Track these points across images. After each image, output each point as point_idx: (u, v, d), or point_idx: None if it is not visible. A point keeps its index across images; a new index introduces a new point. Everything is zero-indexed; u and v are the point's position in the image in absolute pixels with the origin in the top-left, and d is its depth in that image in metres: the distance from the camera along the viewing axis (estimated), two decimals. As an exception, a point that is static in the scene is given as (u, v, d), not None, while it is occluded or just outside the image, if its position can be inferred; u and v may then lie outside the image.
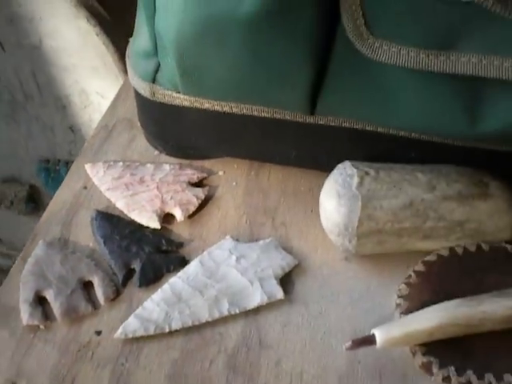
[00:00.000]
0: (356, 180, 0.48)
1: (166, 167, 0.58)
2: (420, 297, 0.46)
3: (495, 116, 0.45)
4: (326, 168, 0.52)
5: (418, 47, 0.44)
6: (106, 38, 0.81)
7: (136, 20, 0.56)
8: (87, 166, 0.59)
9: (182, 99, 0.54)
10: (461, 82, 0.45)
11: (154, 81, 0.54)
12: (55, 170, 1.06)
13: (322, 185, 0.50)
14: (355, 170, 0.48)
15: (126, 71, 0.80)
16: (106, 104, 0.88)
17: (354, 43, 0.44)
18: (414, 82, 0.46)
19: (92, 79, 0.89)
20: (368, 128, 0.51)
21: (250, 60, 0.47)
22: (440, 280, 0.47)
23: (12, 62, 0.92)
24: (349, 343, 0.43)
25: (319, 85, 0.48)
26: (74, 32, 0.83)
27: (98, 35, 0.81)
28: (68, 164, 1.04)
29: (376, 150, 0.52)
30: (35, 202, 1.16)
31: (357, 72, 0.47)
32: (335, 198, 0.48)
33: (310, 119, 0.52)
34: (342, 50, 0.46)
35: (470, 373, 0.42)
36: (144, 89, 0.55)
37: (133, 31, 0.58)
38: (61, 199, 0.57)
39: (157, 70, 0.54)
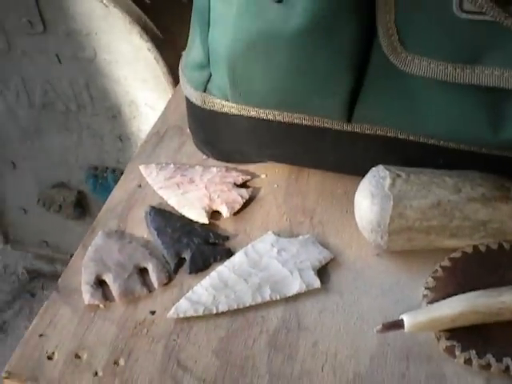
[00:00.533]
0: (388, 181, 0.52)
1: (214, 169, 0.63)
2: (445, 289, 0.50)
3: (516, 124, 0.50)
4: (361, 172, 0.56)
5: (446, 61, 0.48)
6: (157, 53, 0.87)
7: (190, 34, 0.61)
8: (141, 167, 0.64)
9: (230, 107, 0.59)
10: (484, 94, 0.49)
11: (205, 90, 0.59)
12: (103, 177, 1.11)
13: (357, 188, 0.55)
14: (387, 173, 0.53)
15: (174, 84, 0.86)
16: (154, 115, 0.94)
17: (388, 57, 0.49)
18: (442, 93, 0.50)
19: (142, 91, 0.95)
20: (400, 136, 0.56)
21: (294, 71, 0.52)
22: (464, 275, 0.51)
23: (67, 74, 0.98)
24: (379, 327, 0.47)
25: (356, 94, 0.53)
26: (127, 46, 0.89)
27: (149, 50, 0.87)
28: (115, 172, 1.10)
29: (407, 156, 0.56)
30: (82, 208, 1.21)
31: (390, 83, 0.51)
32: (369, 198, 0.52)
33: (347, 127, 0.56)
34: (377, 63, 0.51)
35: (489, 356, 0.46)
36: (196, 97, 0.61)
37: (181, 48, 0.63)
38: (117, 196, 0.62)
39: (208, 80, 0.59)
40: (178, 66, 0.65)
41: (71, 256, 0.57)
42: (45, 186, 1.21)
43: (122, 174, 0.66)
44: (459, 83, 0.48)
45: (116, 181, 0.65)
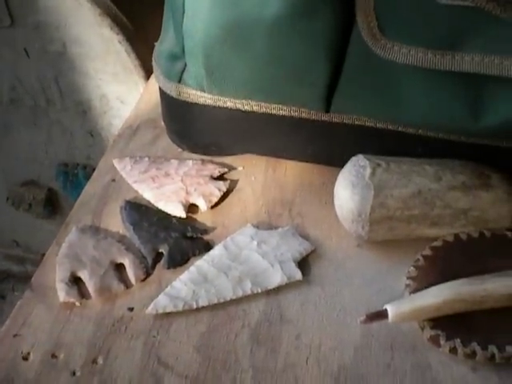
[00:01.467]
0: (368, 171, 0.52)
1: (189, 162, 0.62)
2: (427, 278, 0.50)
3: (496, 111, 0.49)
4: (339, 163, 0.55)
5: (426, 47, 0.48)
6: (128, 46, 0.85)
7: (163, 24, 0.60)
8: (115, 161, 0.63)
9: (206, 98, 0.58)
10: (464, 80, 0.49)
11: (180, 81, 0.58)
12: (73, 174, 1.09)
13: (335, 179, 0.54)
14: (367, 162, 0.52)
15: (145, 77, 0.84)
16: (125, 109, 0.93)
17: (367, 44, 0.49)
18: (422, 80, 0.50)
19: (113, 85, 0.93)
20: (378, 125, 0.55)
21: (271, 60, 0.51)
22: (446, 263, 0.51)
23: (36, 68, 0.96)
24: (363, 317, 0.46)
25: (335, 83, 0.52)
26: (97, 39, 0.87)
27: (120, 43, 0.85)
28: (86, 168, 1.08)
29: (385, 146, 0.55)
30: (53, 206, 1.19)
31: (370, 71, 0.51)
32: (349, 188, 0.52)
33: (324, 117, 0.56)
34: (356, 51, 0.50)
35: (474, 344, 0.46)
36: (170, 89, 0.59)
37: (153, 40, 0.62)
38: (91, 191, 0.61)
39: (183, 71, 0.58)
40: (150, 58, 0.64)
41: (42, 255, 0.56)
42: (14, 184, 1.18)
43: (93, 170, 0.64)
44: (439, 70, 0.48)
45: (87, 177, 0.64)
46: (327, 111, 0.55)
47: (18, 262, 1.43)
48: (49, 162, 1.12)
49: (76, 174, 1.09)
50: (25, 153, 1.12)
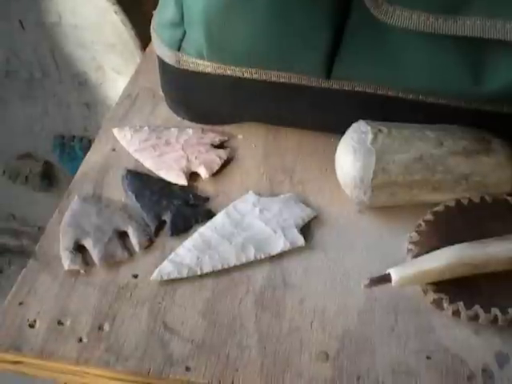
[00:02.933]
0: (370, 136, 0.52)
1: (190, 131, 0.62)
2: (429, 243, 0.50)
3: (498, 75, 0.49)
4: (339, 130, 0.55)
5: (427, 12, 0.48)
6: (124, 16, 0.85)
7: (162, -8, 0.60)
8: (115, 130, 0.62)
9: (206, 66, 0.57)
10: (466, 44, 0.49)
11: (179, 49, 0.58)
12: (70, 146, 1.08)
13: (336, 146, 0.54)
14: (369, 128, 0.52)
15: (142, 48, 0.84)
16: (122, 80, 0.92)
17: (369, 8, 0.49)
18: (424, 45, 0.50)
19: (109, 56, 0.92)
20: (379, 91, 0.55)
21: (272, 24, 0.50)
22: (447, 228, 0.51)
23: (31, 40, 0.96)
24: (367, 281, 0.47)
25: (336, 49, 0.52)
26: (92, 9, 0.86)
27: (116, 12, 0.84)
28: (83, 140, 1.07)
29: (386, 112, 0.55)
30: (50, 178, 1.19)
31: (371, 36, 0.51)
32: (351, 154, 0.52)
33: (325, 83, 0.56)
34: (358, 15, 0.50)
35: (477, 307, 0.46)
36: (169, 57, 0.59)
37: (149, 9, 0.61)
38: (92, 160, 0.60)
39: (182, 39, 0.57)
40: (147, 29, 0.64)
41: (39, 229, 0.56)
42: (10, 158, 1.18)
43: (89, 142, 0.64)
44: (441, 34, 0.48)
45: (84, 149, 0.64)
46: (328, 78, 0.55)
47: (15, 236, 1.43)
48: (45, 135, 1.11)
49: (72, 147, 1.08)
50: (21, 126, 1.11)
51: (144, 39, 0.83)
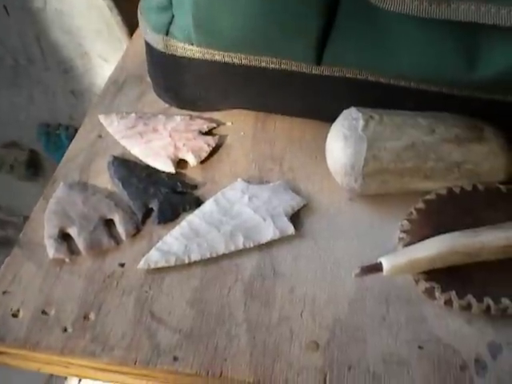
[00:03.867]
0: (361, 123, 0.51)
1: (177, 118, 0.61)
2: (421, 232, 0.49)
3: (492, 61, 0.49)
4: (329, 118, 0.54)
5: (421, -4, 0.47)
6: (110, 1, 0.83)
7: (149, -24, 0.58)
8: (101, 117, 0.61)
9: (194, 51, 0.56)
10: (460, 29, 0.48)
11: (167, 33, 0.57)
12: (56, 135, 1.07)
13: (325, 134, 0.53)
14: (360, 114, 0.51)
15: (129, 34, 0.83)
16: (108, 68, 0.91)
17: (362, -8, 0.48)
18: (417, 30, 0.49)
19: (95, 42, 0.91)
20: (370, 78, 0.54)
21: (262, 8, 0.49)
22: (439, 217, 0.51)
23: (16, 26, 0.94)
24: (357, 270, 0.46)
25: (327, 34, 0.51)
26: (78, -6, 0.85)
27: (102, -2, 0.83)
28: (69, 129, 1.06)
29: (377, 99, 0.54)
30: (35, 167, 1.17)
31: (363, 20, 0.50)
32: (342, 141, 0.51)
33: (315, 70, 0.55)
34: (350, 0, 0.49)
35: (469, 297, 0.46)
36: (157, 42, 0.58)
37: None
38: (77, 147, 0.59)
39: (170, 23, 0.56)
40: (133, 14, 0.62)
41: (25, 218, 0.55)
42: (-6, 146, 1.17)
43: (75, 130, 0.63)
44: (434, 19, 0.47)
45: (69, 138, 0.62)
46: (318, 64, 0.54)
47: (0, 227, 1.41)
48: (30, 123, 1.10)
49: (58, 135, 1.07)
50: (5, 114, 1.10)
51: (131, 25, 0.82)
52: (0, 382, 1.13)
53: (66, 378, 1.28)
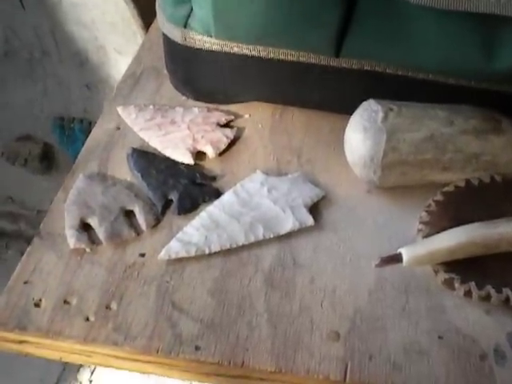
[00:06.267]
0: (381, 115, 0.51)
1: (195, 110, 0.61)
2: (439, 223, 0.50)
3: (510, 54, 0.49)
4: (347, 110, 0.55)
5: (441, -13, 0.47)
6: (126, -6, 0.83)
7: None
8: (119, 109, 0.62)
9: (213, 43, 0.56)
10: (480, 21, 0.48)
11: (185, 25, 0.57)
12: (70, 128, 1.07)
13: (343, 126, 0.54)
14: (379, 106, 0.52)
15: (144, 27, 0.83)
16: (123, 61, 0.91)
17: (381, -16, 0.48)
18: (436, 22, 0.49)
19: (110, 35, 0.91)
20: (388, 70, 0.54)
21: (282, 0, 0.49)
22: (457, 208, 0.51)
23: (31, 19, 0.94)
24: (377, 261, 0.46)
25: (346, 26, 0.51)
26: (94, -12, 0.85)
27: (118, -9, 0.84)
28: (83, 122, 1.06)
29: (394, 92, 0.55)
30: (49, 161, 1.17)
31: (383, 12, 0.50)
32: (361, 132, 0.51)
33: (333, 62, 0.55)
34: (369, -9, 0.49)
35: (489, 287, 0.46)
36: (175, 34, 0.58)
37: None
38: (96, 138, 0.60)
39: (189, 15, 0.56)
40: (149, 8, 0.63)
41: (38, 212, 0.55)
42: (9, 139, 1.17)
43: (90, 124, 0.63)
44: (454, 11, 0.47)
45: (84, 131, 0.62)
46: (337, 56, 0.54)
47: (12, 220, 1.42)
48: (45, 116, 1.10)
49: (72, 128, 1.07)
50: (20, 107, 1.10)
51: (146, 18, 0.82)
52: (15, 375, 1.14)
53: (78, 371, 1.29)
